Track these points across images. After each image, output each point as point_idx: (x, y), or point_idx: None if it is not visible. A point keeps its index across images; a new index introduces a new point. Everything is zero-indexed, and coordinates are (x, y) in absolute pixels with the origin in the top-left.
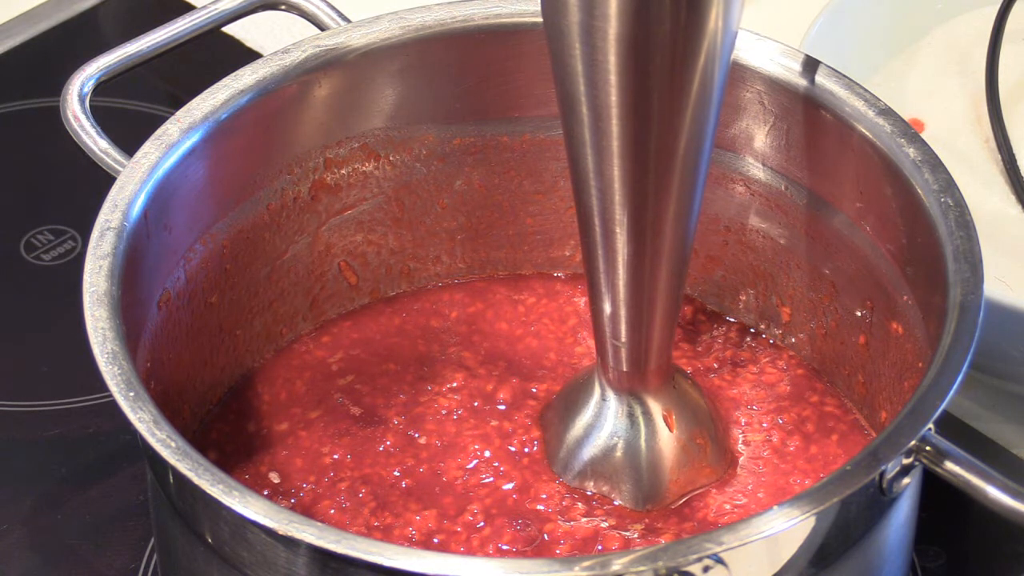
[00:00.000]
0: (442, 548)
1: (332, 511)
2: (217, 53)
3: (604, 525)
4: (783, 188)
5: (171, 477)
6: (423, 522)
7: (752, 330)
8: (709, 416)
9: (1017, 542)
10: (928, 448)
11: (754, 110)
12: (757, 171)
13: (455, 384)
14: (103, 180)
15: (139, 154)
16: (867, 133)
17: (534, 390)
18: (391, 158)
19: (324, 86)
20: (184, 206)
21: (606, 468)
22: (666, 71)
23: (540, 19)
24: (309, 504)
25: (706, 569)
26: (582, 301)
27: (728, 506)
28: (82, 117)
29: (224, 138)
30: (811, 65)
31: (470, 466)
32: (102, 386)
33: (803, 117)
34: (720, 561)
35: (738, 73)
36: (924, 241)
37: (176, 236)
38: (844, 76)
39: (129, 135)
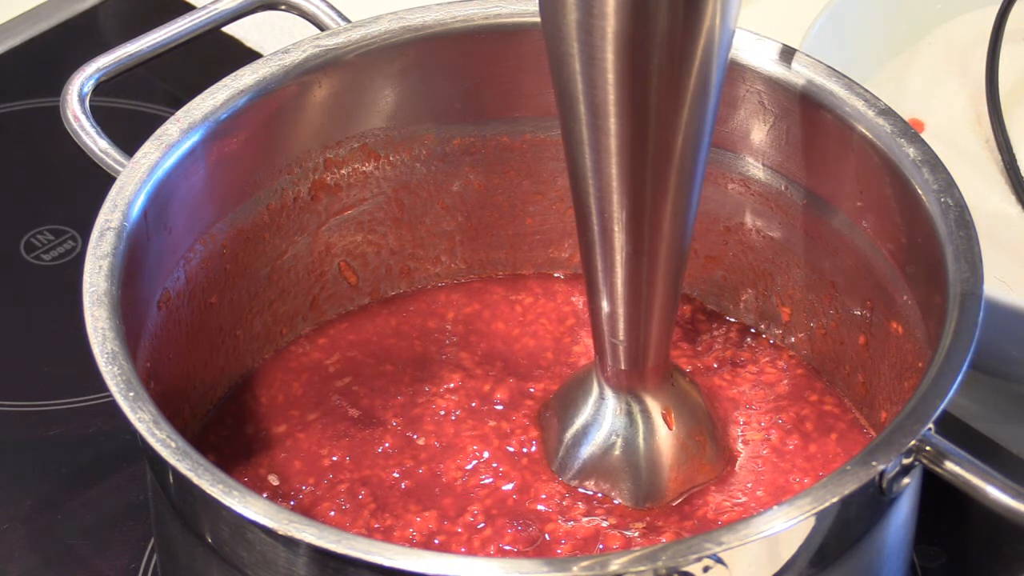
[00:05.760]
0: (443, 549)
1: (332, 513)
2: (217, 53)
3: (605, 524)
4: (783, 188)
5: (171, 477)
6: (423, 523)
7: (752, 330)
8: (707, 414)
9: (1017, 542)
10: (928, 448)
11: (754, 110)
12: (757, 171)
13: (452, 385)
14: (103, 180)
15: (139, 154)
16: (867, 133)
17: (531, 390)
18: (391, 158)
19: (324, 86)
20: (184, 206)
21: (605, 466)
22: (664, 69)
23: (539, 19)
24: (309, 506)
25: (706, 569)
26: (580, 301)
27: (728, 504)
28: (82, 117)
29: (224, 138)
30: (811, 65)
31: (469, 467)
32: (102, 386)
33: (803, 117)
34: (720, 561)
35: (738, 73)
36: (924, 241)
37: (176, 236)
38: (844, 76)
39: (129, 135)
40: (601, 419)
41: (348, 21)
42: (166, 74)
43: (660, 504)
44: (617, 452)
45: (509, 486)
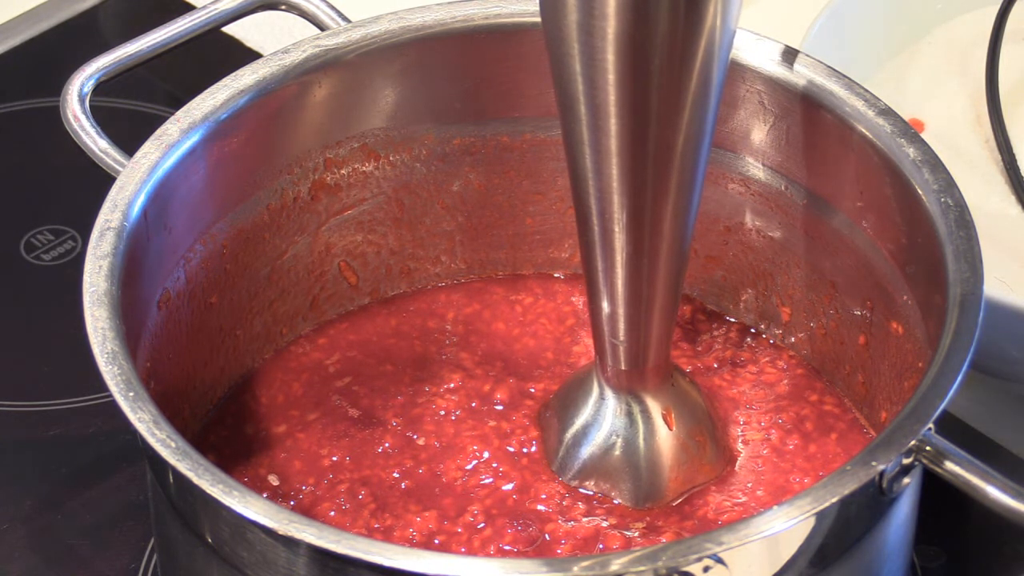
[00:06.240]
0: (443, 549)
1: (332, 513)
2: (217, 53)
3: (605, 524)
4: (783, 188)
5: (171, 477)
6: (423, 523)
7: (752, 330)
8: (707, 414)
9: (1017, 542)
10: (928, 448)
11: (754, 110)
12: (757, 171)
13: (452, 385)
14: (103, 180)
15: (139, 154)
16: (867, 133)
17: (532, 390)
18: (391, 158)
19: (324, 86)
20: (184, 206)
21: (605, 467)
22: (665, 70)
23: (540, 19)
24: (309, 506)
25: (706, 569)
26: (580, 301)
27: (728, 504)
28: (82, 117)
29: (224, 138)
30: (811, 65)
31: (469, 467)
32: (102, 386)
33: (803, 117)
34: (720, 561)
35: (738, 73)
36: (924, 241)
37: (176, 236)
38: (844, 76)
39: (129, 135)
40: (601, 419)
41: (348, 21)
42: (166, 74)
43: (660, 504)
44: (617, 452)
45: (509, 486)
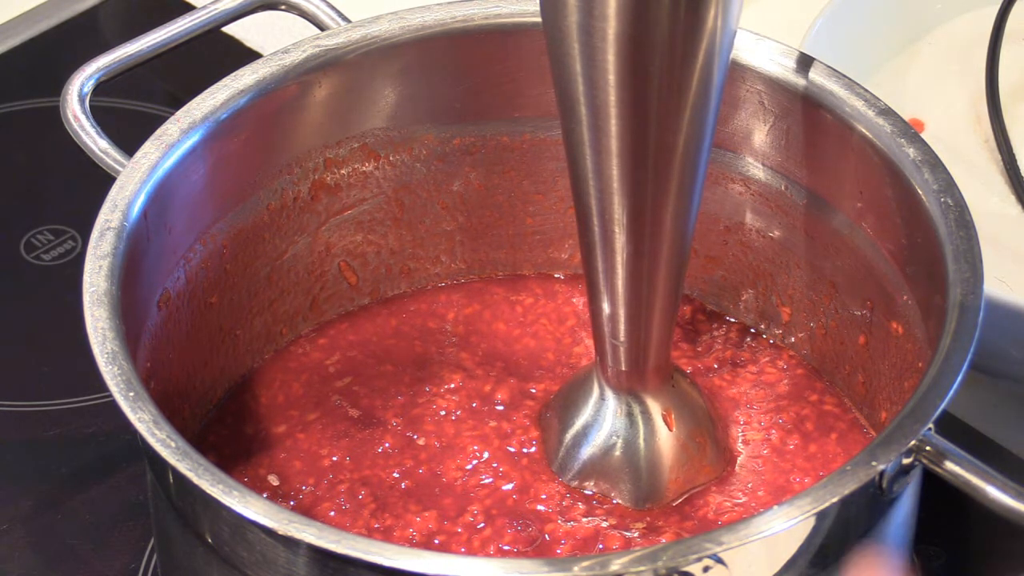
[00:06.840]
0: (443, 549)
1: (332, 513)
2: (217, 53)
3: (604, 525)
4: (783, 188)
5: (171, 477)
6: (423, 523)
7: (752, 330)
8: (708, 415)
9: (1017, 542)
10: (928, 448)
11: (754, 110)
12: (757, 171)
13: (453, 385)
14: (103, 180)
15: (139, 154)
16: (867, 133)
17: (532, 390)
18: (391, 158)
19: (324, 86)
20: (184, 206)
21: (605, 467)
22: (665, 70)
23: (540, 19)
24: (309, 506)
25: (706, 569)
26: (580, 302)
27: (728, 504)
28: (82, 117)
29: (224, 138)
30: (811, 65)
31: (469, 467)
32: (102, 386)
33: (803, 117)
34: (720, 561)
35: (738, 73)
36: (924, 241)
37: (176, 236)
38: (844, 76)
39: (129, 135)
40: (601, 420)
41: (348, 21)
42: (166, 74)
43: (660, 505)
44: (617, 453)
45: (509, 486)
